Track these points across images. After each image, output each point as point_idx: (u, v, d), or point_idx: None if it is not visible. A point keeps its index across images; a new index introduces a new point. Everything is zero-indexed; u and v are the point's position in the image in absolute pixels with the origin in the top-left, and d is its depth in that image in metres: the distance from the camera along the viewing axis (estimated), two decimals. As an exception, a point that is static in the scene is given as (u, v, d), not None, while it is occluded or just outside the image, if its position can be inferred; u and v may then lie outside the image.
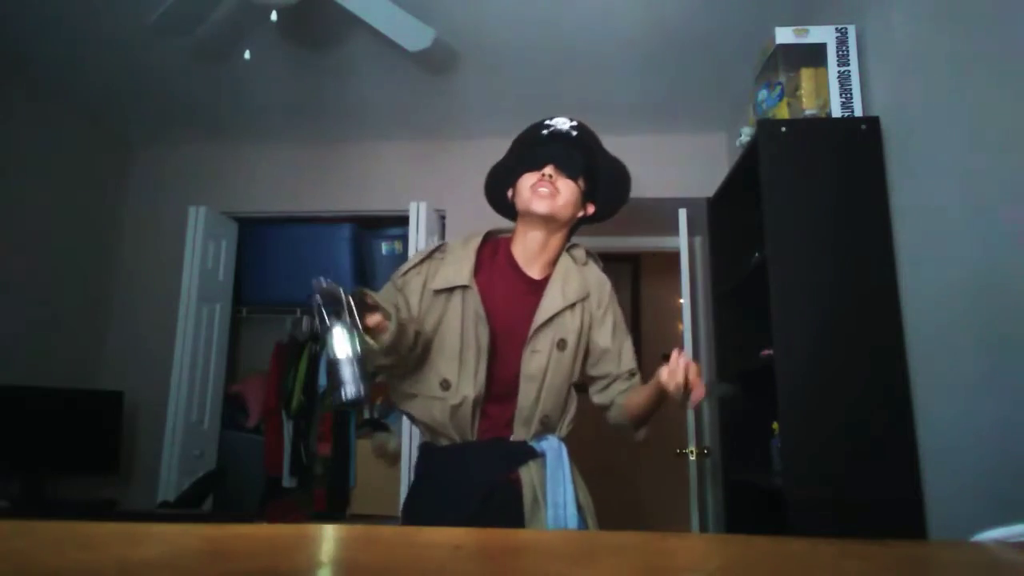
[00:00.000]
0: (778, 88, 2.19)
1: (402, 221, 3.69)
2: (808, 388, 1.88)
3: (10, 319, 3.12)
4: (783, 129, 2.05)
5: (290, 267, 4.13)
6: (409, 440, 3.22)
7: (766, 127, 2.07)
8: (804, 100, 2.10)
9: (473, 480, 1.37)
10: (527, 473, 1.38)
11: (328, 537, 0.59)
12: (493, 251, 1.52)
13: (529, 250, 1.49)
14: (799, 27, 2.13)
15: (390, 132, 3.76)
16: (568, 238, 1.55)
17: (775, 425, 2.04)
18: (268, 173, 3.92)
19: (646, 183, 3.21)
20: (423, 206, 3.52)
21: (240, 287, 4.08)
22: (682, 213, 3.25)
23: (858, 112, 2.05)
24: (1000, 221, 1.50)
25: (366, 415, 4.18)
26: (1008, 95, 1.48)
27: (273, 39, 2.83)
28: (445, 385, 1.41)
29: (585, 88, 3.20)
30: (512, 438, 1.42)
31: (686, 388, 1.21)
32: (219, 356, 3.76)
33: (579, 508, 1.38)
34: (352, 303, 1.17)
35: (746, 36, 2.63)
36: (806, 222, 1.98)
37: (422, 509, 1.44)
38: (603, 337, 1.48)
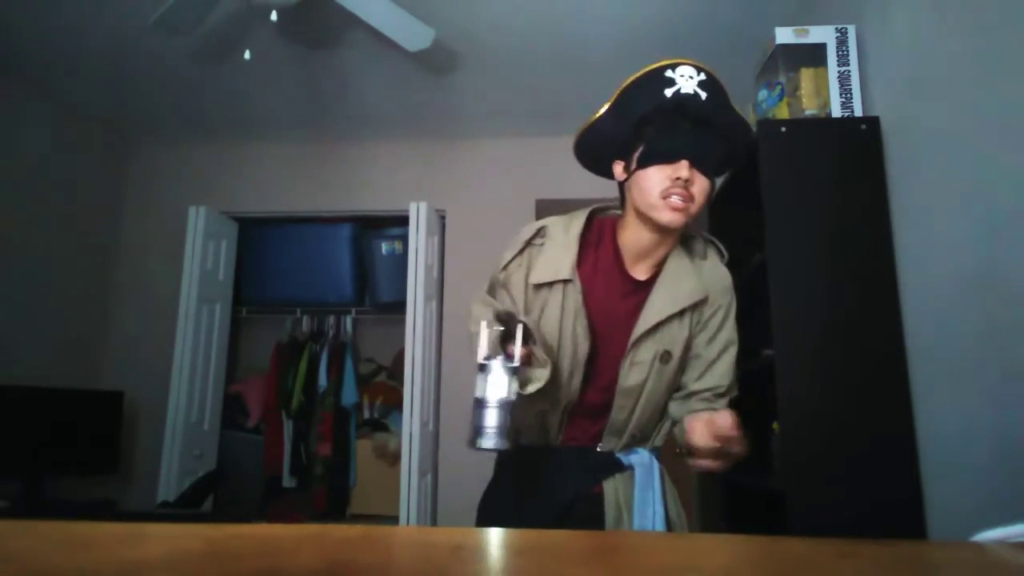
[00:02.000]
0: (778, 88, 2.19)
1: (402, 221, 3.70)
2: (808, 388, 1.88)
3: (10, 319, 3.12)
4: (783, 129, 2.05)
5: (290, 267, 4.13)
6: (409, 440, 3.22)
7: (766, 127, 2.07)
8: (804, 100, 2.10)
9: (554, 491, 1.27)
10: (611, 487, 1.26)
11: (328, 537, 0.59)
12: (598, 236, 1.29)
13: (639, 247, 1.24)
14: (799, 27, 2.13)
15: (390, 132, 3.76)
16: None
17: (775, 425, 2.04)
18: (268, 173, 3.92)
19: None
20: (423, 206, 3.52)
21: (240, 287, 4.08)
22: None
23: (858, 112, 2.05)
24: (1000, 220, 1.50)
25: (366, 415, 4.18)
26: (1008, 95, 1.48)
27: (273, 39, 2.83)
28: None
29: (585, 88, 3.20)
30: (599, 448, 1.29)
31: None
32: (219, 356, 3.76)
33: (669, 525, 1.26)
34: (522, 338, 1.03)
35: (746, 36, 2.63)
36: (806, 222, 1.98)
37: (496, 516, 1.33)
38: (701, 341, 1.28)
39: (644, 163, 1.17)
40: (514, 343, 1.02)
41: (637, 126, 1.18)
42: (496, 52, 2.94)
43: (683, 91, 1.15)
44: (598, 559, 0.53)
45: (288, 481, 3.96)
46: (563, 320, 1.22)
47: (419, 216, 3.50)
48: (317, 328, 4.31)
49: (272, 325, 4.39)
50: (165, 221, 3.81)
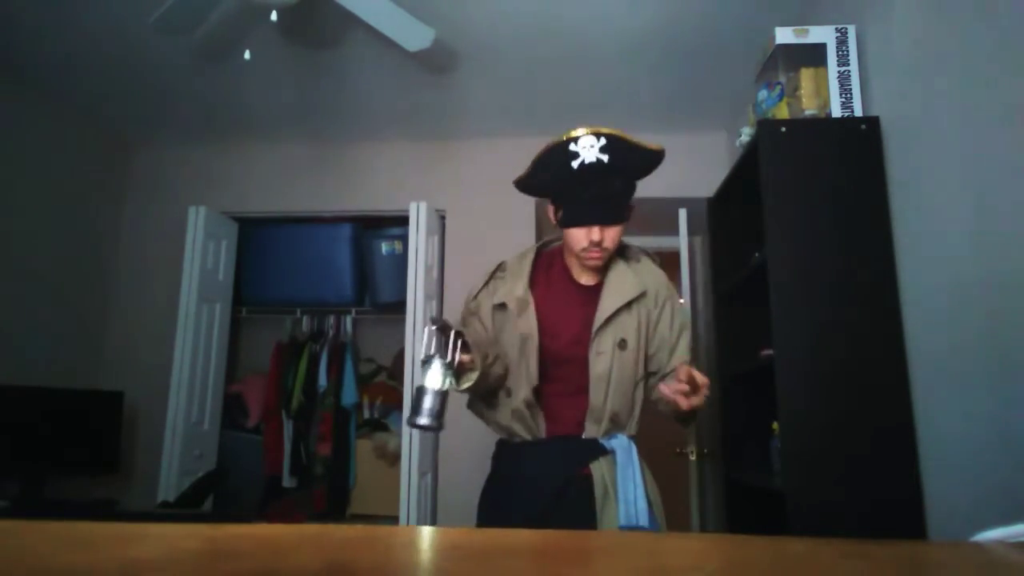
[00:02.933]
0: (778, 88, 2.20)
1: (402, 221, 3.69)
2: (808, 388, 1.88)
3: (10, 319, 3.12)
4: (783, 129, 2.05)
5: (290, 267, 4.13)
6: (409, 440, 3.22)
7: (766, 127, 2.07)
8: (804, 100, 2.10)
9: (546, 475, 1.45)
10: (598, 469, 1.45)
11: (328, 537, 0.59)
12: (548, 263, 1.60)
13: (580, 266, 1.55)
14: (799, 27, 2.13)
15: (390, 132, 3.76)
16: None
17: (775, 425, 2.04)
18: (268, 173, 3.92)
19: (646, 183, 3.21)
20: (423, 206, 3.52)
21: (240, 287, 4.08)
22: (682, 213, 3.25)
23: (858, 112, 2.05)
24: (1000, 220, 1.50)
25: (366, 415, 4.18)
26: (1008, 95, 1.48)
27: (273, 39, 2.83)
28: (508, 392, 1.52)
29: (585, 88, 3.20)
30: (584, 436, 1.48)
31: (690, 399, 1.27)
32: (219, 356, 3.76)
33: (649, 504, 1.43)
34: (457, 343, 1.27)
35: (746, 36, 2.63)
36: (806, 222, 1.98)
37: (496, 503, 1.53)
38: (662, 329, 1.53)
39: (565, 225, 1.48)
40: (451, 346, 1.26)
41: (554, 195, 1.51)
42: (496, 52, 2.94)
43: (586, 161, 1.40)
44: (597, 559, 0.53)
45: (288, 481, 3.96)
46: (518, 323, 1.50)
47: (419, 216, 3.50)
48: (317, 328, 4.31)
49: (272, 325, 4.39)
50: (165, 221, 3.81)
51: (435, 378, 1.23)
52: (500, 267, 1.62)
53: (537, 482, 1.45)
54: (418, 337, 3.34)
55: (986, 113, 1.55)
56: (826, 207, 1.98)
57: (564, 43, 2.86)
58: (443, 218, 3.77)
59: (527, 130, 3.64)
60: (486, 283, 1.61)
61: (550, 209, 1.55)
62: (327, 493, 3.88)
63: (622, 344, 1.48)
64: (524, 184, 1.57)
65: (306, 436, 4.02)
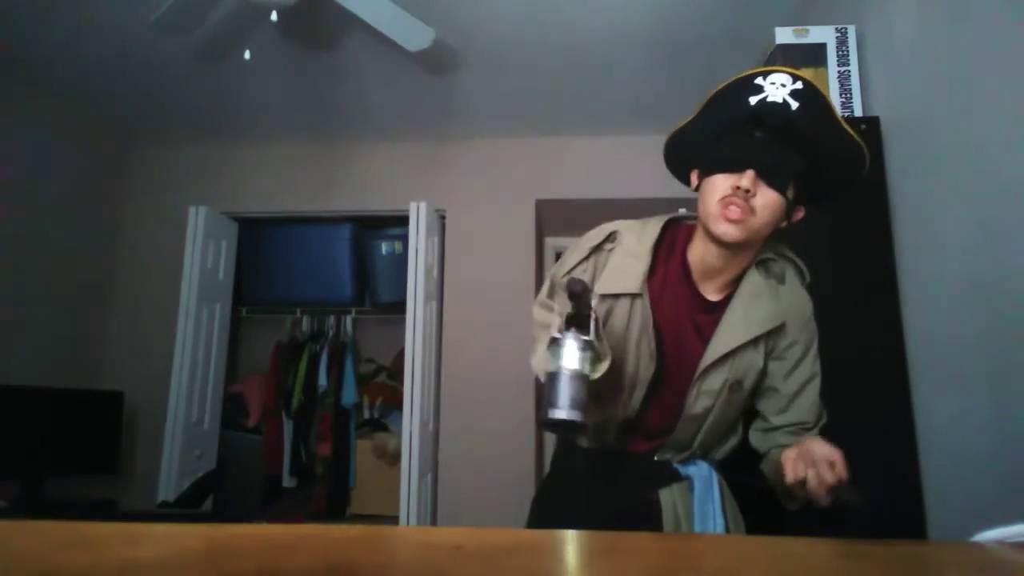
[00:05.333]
0: (778, 88, 2.19)
1: (402, 221, 3.70)
2: (808, 388, 1.87)
3: (10, 319, 3.12)
4: (783, 129, 2.05)
5: (290, 267, 4.13)
6: (409, 440, 3.22)
7: (766, 127, 2.07)
8: (804, 100, 2.10)
9: (609, 496, 1.22)
10: (668, 496, 1.21)
11: (328, 537, 0.59)
12: (671, 246, 1.21)
13: (708, 264, 1.16)
14: (799, 27, 2.13)
15: (390, 132, 3.76)
16: (762, 246, 1.20)
17: (775, 425, 2.03)
18: (268, 173, 3.92)
19: (646, 183, 3.22)
20: (423, 206, 3.52)
21: (240, 287, 4.08)
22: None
23: (858, 112, 2.05)
24: (1000, 220, 1.50)
25: (366, 415, 4.18)
26: (1008, 95, 1.48)
27: (273, 39, 2.83)
28: (596, 398, 1.16)
29: (585, 88, 3.20)
30: (656, 457, 1.24)
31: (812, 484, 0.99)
32: (219, 356, 3.76)
33: None
34: (599, 318, 0.98)
35: (746, 36, 2.63)
36: (806, 222, 1.97)
37: (550, 513, 1.29)
38: (777, 373, 1.18)
39: (710, 171, 1.11)
40: (584, 327, 0.96)
41: (716, 135, 1.12)
42: (496, 52, 2.94)
43: (769, 99, 1.08)
44: (598, 560, 0.53)
45: (288, 481, 3.96)
46: (628, 335, 1.15)
47: (419, 216, 3.50)
48: (317, 328, 4.31)
49: (272, 325, 4.39)
50: (165, 221, 3.81)
51: (572, 358, 0.93)
52: (610, 237, 1.20)
53: (598, 501, 1.21)
54: (418, 337, 3.34)
55: (986, 113, 1.55)
56: (826, 207, 1.97)
57: (564, 43, 2.86)
58: (443, 218, 3.77)
59: (527, 130, 3.65)
60: (587, 255, 1.20)
61: (694, 175, 1.17)
62: (327, 493, 3.89)
63: (735, 386, 1.16)
64: (678, 142, 1.19)
65: (306, 436, 4.02)
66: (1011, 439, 1.45)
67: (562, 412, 0.91)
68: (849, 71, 2.07)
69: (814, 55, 2.11)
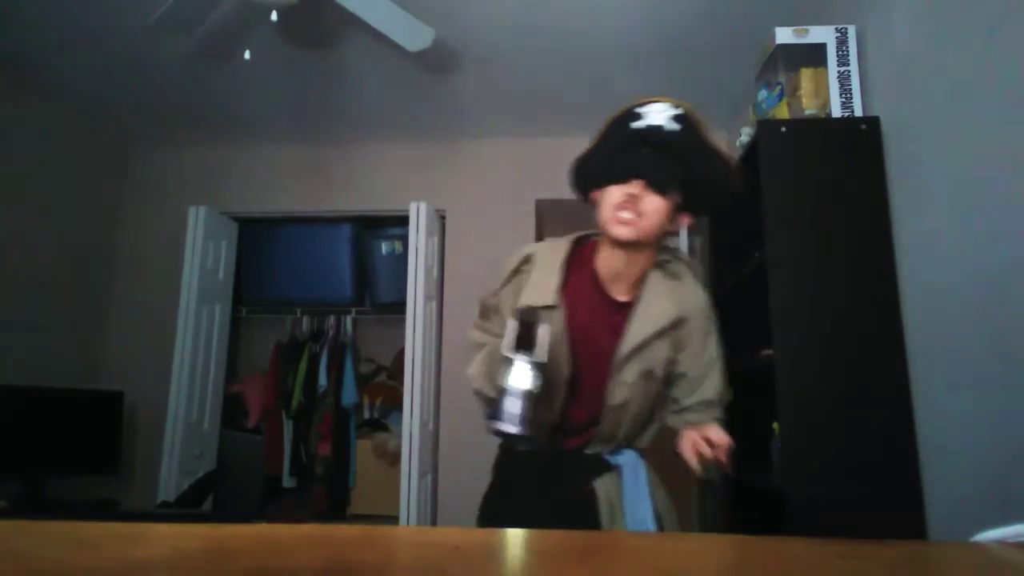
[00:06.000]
0: (778, 88, 2.20)
1: (402, 221, 3.70)
2: (808, 388, 1.88)
3: (10, 319, 3.12)
4: (783, 129, 2.05)
5: (290, 267, 4.13)
6: (409, 440, 3.22)
7: (766, 127, 2.07)
8: (804, 100, 2.10)
9: (548, 491, 1.36)
10: (602, 486, 1.35)
11: (328, 537, 0.59)
12: (582, 260, 1.37)
13: (613, 268, 1.32)
14: (799, 27, 2.13)
15: (390, 132, 3.76)
16: (658, 250, 1.36)
17: (775, 425, 2.04)
18: (268, 173, 3.92)
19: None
20: (423, 206, 3.52)
21: (240, 287, 4.08)
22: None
23: (858, 112, 2.05)
24: (1000, 220, 1.50)
25: (366, 415, 4.18)
26: (1008, 95, 1.48)
27: (273, 39, 2.83)
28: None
29: (585, 88, 3.20)
30: (588, 451, 1.38)
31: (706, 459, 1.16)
32: (219, 356, 3.76)
33: (659, 519, 1.35)
34: (546, 338, 1.11)
35: (746, 36, 2.63)
36: (806, 222, 1.98)
37: (496, 516, 1.42)
38: (685, 360, 1.35)
39: (605, 183, 1.28)
40: (538, 342, 1.09)
41: (606, 153, 1.31)
42: (496, 52, 2.94)
43: (650, 123, 1.26)
44: (597, 559, 0.53)
45: (288, 481, 3.96)
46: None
47: (419, 216, 3.50)
48: (317, 328, 4.31)
49: (272, 325, 4.39)
50: (165, 221, 3.81)
51: (522, 377, 1.07)
52: (526, 259, 1.37)
53: (538, 498, 1.35)
54: (418, 337, 3.34)
55: (986, 113, 1.55)
56: (826, 207, 1.98)
57: (564, 43, 2.86)
58: (443, 218, 3.77)
59: (527, 130, 3.65)
60: (509, 279, 1.38)
61: (595, 194, 1.33)
62: (327, 493, 3.89)
63: (648, 375, 1.32)
64: (582, 164, 1.36)
65: (306, 436, 4.02)
66: (1011, 439, 1.45)
67: (513, 427, 1.05)
68: (849, 71, 2.07)
69: (814, 55, 2.11)
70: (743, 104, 2.73)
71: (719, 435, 1.17)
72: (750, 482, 2.33)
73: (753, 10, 2.55)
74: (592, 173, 1.34)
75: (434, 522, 3.38)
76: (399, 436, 3.53)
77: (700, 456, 1.16)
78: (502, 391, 1.07)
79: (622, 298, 1.33)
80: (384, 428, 4.08)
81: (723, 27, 2.69)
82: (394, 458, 3.70)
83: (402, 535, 0.61)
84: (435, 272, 3.61)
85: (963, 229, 1.63)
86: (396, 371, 4.11)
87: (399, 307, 3.72)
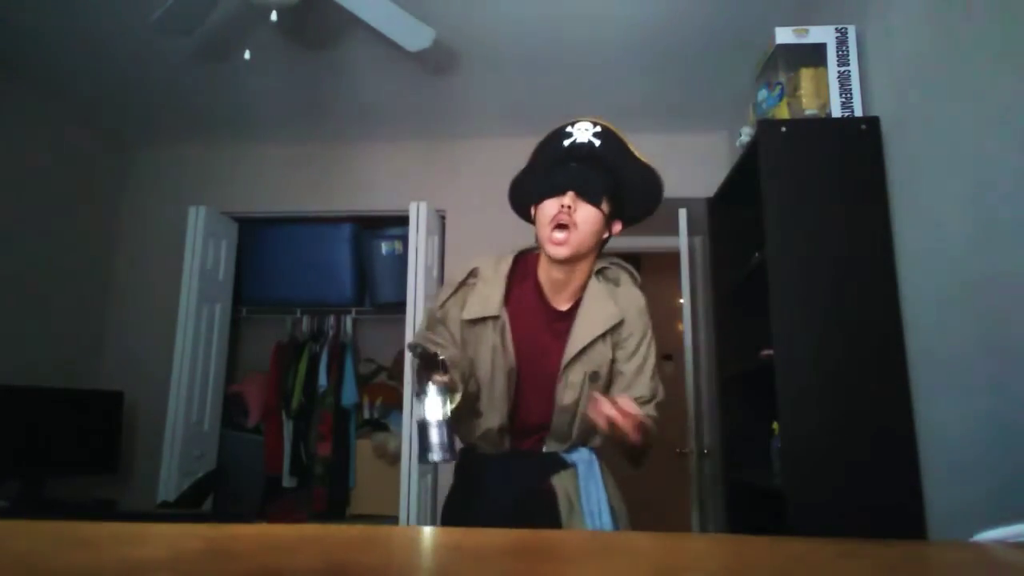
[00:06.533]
0: (778, 88, 2.20)
1: (402, 221, 3.69)
2: (808, 388, 1.88)
3: (10, 319, 3.12)
4: (783, 129, 2.05)
5: (290, 267, 4.13)
6: (409, 440, 3.22)
7: (766, 127, 2.07)
8: (804, 100, 2.10)
9: (507, 490, 1.40)
10: (560, 482, 1.40)
11: (328, 537, 0.59)
12: (524, 272, 1.47)
13: (554, 280, 1.42)
14: (799, 27, 2.13)
15: (390, 132, 3.76)
16: (596, 258, 1.45)
17: (775, 425, 2.04)
18: (268, 173, 3.92)
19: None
20: (423, 206, 3.52)
21: (240, 287, 4.08)
22: (682, 213, 3.25)
23: (858, 112, 2.05)
24: (1000, 220, 1.50)
25: (366, 415, 4.18)
26: (1008, 95, 1.48)
27: (273, 39, 2.83)
28: (476, 414, 1.42)
29: (585, 88, 3.20)
30: (544, 450, 1.44)
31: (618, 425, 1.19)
32: (219, 356, 3.76)
33: (613, 513, 1.40)
34: (445, 363, 1.21)
35: (746, 36, 2.63)
36: (806, 222, 1.98)
37: (459, 517, 1.48)
38: (621, 358, 1.42)
39: (540, 198, 1.40)
40: (438, 371, 1.20)
41: (540, 171, 1.45)
42: (496, 52, 2.94)
43: (578, 140, 1.40)
44: (597, 559, 0.53)
45: (288, 481, 3.96)
46: (493, 354, 1.39)
47: (419, 216, 3.50)
48: (317, 328, 4.31)
49: (272, 325, 4.39)
50: (165, 221, 3.81)
51: (435, 408, 1.18)
52: (472, 273, 1.48)
53: (499, 496, 1.40)
54: (418, 336, 3.34)
55: (985, 113, 1.55)
56: (826, 207, 1.98)
57: (564, 43, 2.86)
58: (443, 218, 3.77)
59: (527, 130, 3.62)
60: (455, 290, 1.47)
61: (533, 210, 1.46)
62: (327, 493, 3.88)
63: (594, 376, 1.39)
64: (518, 184, 1.53)
65: (306, 436, 4.02)
66: (1011, 440, 1.45)
67: (435, 456, 1.16)
68: (849, 71, 2.07)
69: (814, 55, 2.11)
70: (743, 104, 2.73)
71: (628, 404, 1.20)
72: (750, 482, 2.33)
73: (753, 10, 2.55)
74: (529, 191, 1.47)
75: (434, 522, 3.38)
76: (399, 436, 3.53)
77: (606, 418, 1.19)
78: (422, 425, 1.17)
79: (563, 307, 1.43)
80: (384, 428, 4.08)
81: (723, 27, 2.69)
82: (394, 458, 3.70)
83: (402, 535, 0.61)
84: (435, 272, 3.61)
85: (963, 228, 1.63)
86: (396, 371, 4.11)
87: (399, 307, 3.72)
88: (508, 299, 1.42)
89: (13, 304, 3.15)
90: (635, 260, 5.06)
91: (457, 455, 1.16)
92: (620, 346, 1.41)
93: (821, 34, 2.10)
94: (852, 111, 2.05)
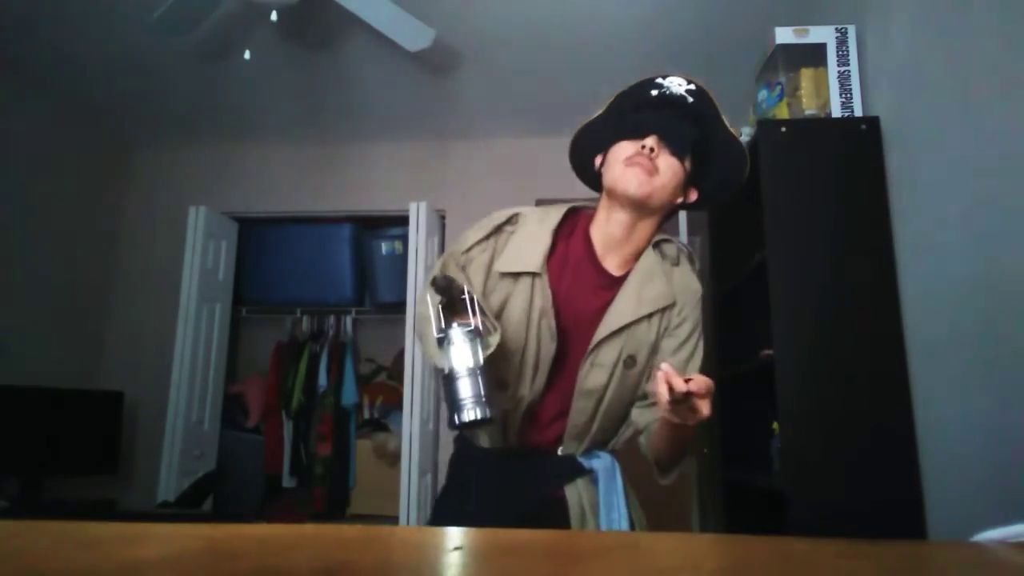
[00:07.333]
0: (778, 88, 2.19)
1: (402, 221, 3.70)
2: (808, 388, 1.88)
3: (10, 319, 3.12)
4: (783, 129, 2.05)
5: (290, 267, 4.13)
6: (409, 440, 3.22)
7: (766, 127, 2.07)
8: (804, 100, 2.10)
9: (513, 496, 1.20)
10: (574, 491, 1.21)
11: (328, 537, 0.59)
12: (571, 230, 1.25)
13: (610, 236, 1.21)
14: (799, 27, 2.13)
15: (390, 132, 3.76)
16: (659, 228, 1.26)
17: (775, 425, 2.04)
18: (268, 173, 3.92)
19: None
20: (423, 206, 3.52)
21: (240, 287, 4.08)
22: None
23: (858, 112, 2.05)
24: (999, 220, 1.50)
25: (366, 415, 4.18)
26: (1008, 94, 1.48)
27: (273, 39, 2.83)
28: (501, 386, 1.18)
29: (584, 88, 3.19)
30: (560, 451, 1.23)
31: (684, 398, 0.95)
32: (219, 356, 3.76)
33: (633, 529, 1.23)
34: (476, 302, 0.99)
35: (746, 36, 2.62)
36: (806, 222, 1.98)
37: (454, 520, 1.23)
38: (667, 349, 1.21)
39: (616, 139, 1.20)
40: (465, 312, 0.97)
41: (617, 117, 1.24)
42: (496, 52, 2.94)
43: (670, 91, 1.23)
44: (597, 559, 0.53)
45: (288, 481, 3.96)
46: (530, 315, 1.17)
47: (419, 216, 3.50)
48: (317, 328, 4.31)
49: (272, 325, 4.39)
50: (165, 221, 3.81)
51: (463, 354, 0.93)
52: (511, 219, 1.23)
53: (501, 503, 1.19)
54: (416, 335, 3.34)
55: (986, 113, 1.55)
56: (826, 207, 1.98)
57: (564, 43, 2.86)
58: (443, 218, 3.77)
59: (527, 130, 3.65)
60: (488, 235, 1.22)
61: (599, 158, 1.25)
62: (327, 493, 3.88)
63: (629, 361, 1.18)
64: (586, 133, 1.27)
65: (306, 436, 4.02)
66: (1011, 439, 1.45)
67: (470, 412, 0.91)
68: (849, 71, 2.07)
69: (814, 55, 2.11)
70: (743, 104, 2.73)
71: (700, 378, 0.96)
72: (750, 482, 2.33)
73: (753, 10, 2.55)
74: (600, 136, 1.25)
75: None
76: (399, 436, 3.53)
77: (672, 392, 0.95)
78: (448, 379, 0.93)
79: (616, 272, 1.21)
80: (384, 428, 4.08)
81: (723, 27, 2.69)
82: (394, 458, 3.70)
83: (402, 535, 0.61)
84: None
85: (963, 229, 1.63)
86: (396, 371, 4.11)
87: (399, 307, 3.72)
88: (551, 257, 1.20)
89: (13, 304, 3.14)
90: (635, 260, 5.06)
91: (492, 411, 0.92)
92: (670, 333, 1.22)
93: (821, 34, 2.10)
94: (852, 111, 2.05)
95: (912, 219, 1.86)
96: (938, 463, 1.73)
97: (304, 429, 4.02)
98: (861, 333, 1.89)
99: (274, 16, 2.28)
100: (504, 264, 1.19)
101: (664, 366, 0.97)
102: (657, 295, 1.19)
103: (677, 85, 1.23)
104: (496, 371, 1.15)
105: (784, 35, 2.14)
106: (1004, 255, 1.48)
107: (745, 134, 2.40)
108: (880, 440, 1.82)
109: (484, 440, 1.25)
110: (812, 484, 1.82)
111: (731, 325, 2.65)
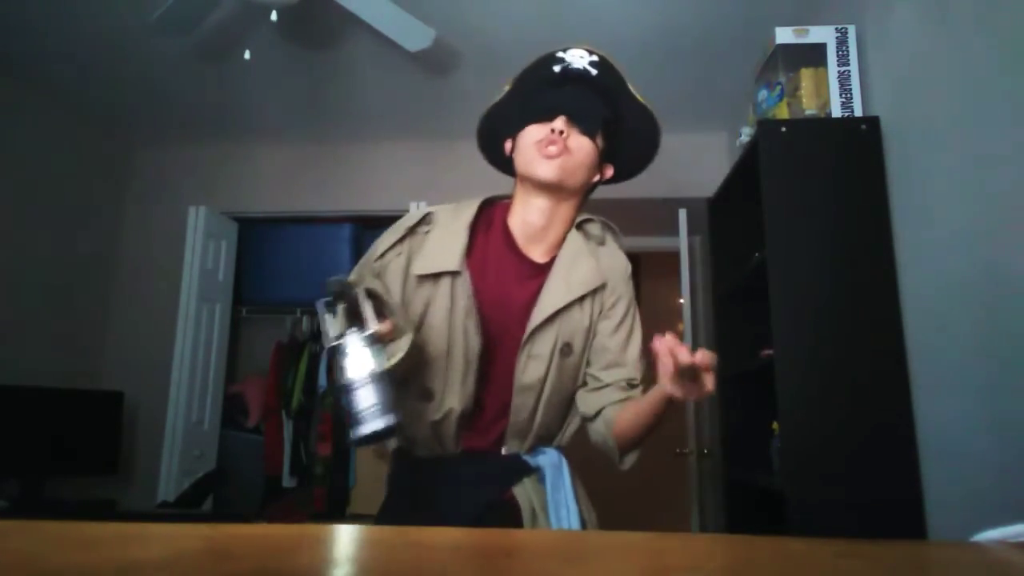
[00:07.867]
0: (778, 88, 2.19)
1: (402, 221, 3.69)
2: (808, 388, 1.88)
3: (10, 319, 3.12)
4: (783, 129, 2.05)
5: (290, 267, 4.13)
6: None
7: (766, 127, 2.07)
8: (804, 100, 2.10)
9: (459, 504, 1.13)
10: (523, 491, 1.15)
11: (328, 537, 0.59)
12: (488, 222, 1.21)
13: (530, 224, 1.18)
14: (799, 27, 2.13)
15: (390, 132, 3.76)
16: (580, 208, 1.22)
17: (775, 425, 2.04)
18: (268, 173, 3.92)
19: (646, 183, 3.21)
20: (423, 206, 3.51)
21: (240, 287, 4.08)
22: (682, 213, 3.25)
23: (858, 112, 2.05)
24: (999, 220, 1.50)
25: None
26: (1008, 94, 1.48)
27: (273, 39, 2.83)
28: (427, 395, 1.14)
29: (585, 88, 3.20)
30: (504, 451, 1.18)
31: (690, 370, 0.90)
32: (219, 356, 3.76)
33: (583, 525, 1.17)
34: (371, 304, 0.94)
35: (746, 36, 2.63)
36: (806, 222, 1.98)
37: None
38: (604, 331, 1.18)
39: (524, 123, 1.17)
40: (366, 312, 0.92)
41: (523, 97, 1.21)
42: (496, 52, 2.94)
43: (572, 66, 1.19)
44: (596, 559, 0.53)
45: (288, 481, 3.96)
46: (452, 316, 1.12)
47: (419, 216, 3.50)
48: (317, 328, 4.30)
49: (272, 325, 4.39)
50: (165, 221, 3.81)
51: (359, 362, 0.86)
52: (424, 219, 1.19)
53: (447, 512, 1.12)
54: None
55: (986, 113, 1.55)
56: (826, 207, 1.98)
57: (563, 43, 2.85)
58: (443, 218, 3.76)
59: (527, 130, 3.65)
60: (401, 238, 1.18)
61: (508, 143, 1.22)
62: (327, 493, 3.88)
63: (565, 349, 1.14)
64: (491, 116, 1.27)
65: (306, 436, 4.02)
66: (1011, 439, 1.45)
67: (377, 422, 0.83)
68: (849, 71, 2.07)
69: (814, 55, 2.11)
70: (743, 104, 2.73)
71: (704, 351, 0.89)
72: (750, 482, 2.33)
73: (753, 10, 2.55)
74: (508, 119, 1.22)
75: (434, 522, 3.38)
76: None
77: (676, 362, 0.89)
78: (345, 391, 0.86)
79: (541, 260, 1.17)
80: (384, 428, 4.07)
81: (723, 27, 2.69)
82: (394, 458, 3.70)
83: (401, 535, 0.61)
84: (435, 272, 3.61)
85: (963, 229, 1.63)
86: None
87: (399, 307, 3.70)
88: (470, 253, 1.16)
89: (13, 304, 3.14)
90: (635, 260, 5.05)
91: (400, 418, 0.87)
92: (605, 315, 1.18)
93: (821, 34, 2.10)
94: (852, 111, 2.05)
95: (912, 219, 1.86)
96: (938, 463, 1.73)
97: (304, 429, 4.02)
98: (861, 333, 1.89)
99: (274, 16, 2.28)
100: (421, 266, 1.15)
101: (666, 337, 0.91)
102: (586, 277, 1.16)
103: (579, 58, 1.19)
104: (422, 380, 1.13)
105: (784, 35, 2.14)
106: (1004, 255, 1.48)
107: (745, 134, 2.41)
108: (880, 440, 1.82)
109: (420, 449, 1.20)
110: (812, 484, 1.82)
111: (731, 325, 2.65)
